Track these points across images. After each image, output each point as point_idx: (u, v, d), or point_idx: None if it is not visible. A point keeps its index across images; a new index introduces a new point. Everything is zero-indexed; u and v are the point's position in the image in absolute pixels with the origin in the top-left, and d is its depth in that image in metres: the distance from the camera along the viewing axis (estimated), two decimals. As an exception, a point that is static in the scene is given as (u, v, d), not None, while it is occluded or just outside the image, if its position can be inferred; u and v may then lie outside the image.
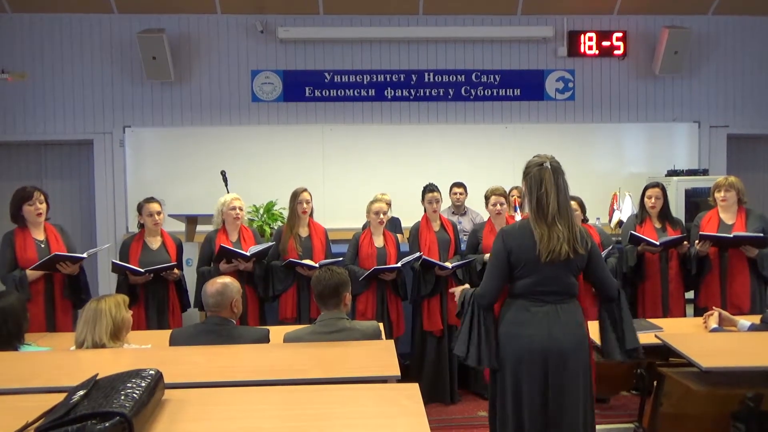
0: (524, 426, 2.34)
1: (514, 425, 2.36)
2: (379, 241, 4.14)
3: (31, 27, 6.30)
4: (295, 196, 4.12)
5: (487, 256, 3.86)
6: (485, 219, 4.50)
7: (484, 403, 4.10)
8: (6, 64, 6.27)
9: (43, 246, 3.64)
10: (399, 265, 3.99)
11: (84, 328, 2.59)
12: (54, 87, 6.36)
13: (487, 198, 4.23)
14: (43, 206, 3.66)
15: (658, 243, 3.93)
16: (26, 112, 6.35)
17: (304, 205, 4.09)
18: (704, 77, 6.83)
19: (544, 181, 2.35)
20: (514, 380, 2.35)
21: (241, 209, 4.04)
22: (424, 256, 4.01)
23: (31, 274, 3.53)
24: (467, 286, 2.73)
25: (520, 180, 2.50)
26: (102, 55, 6.38)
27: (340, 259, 4.02)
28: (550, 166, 2.37)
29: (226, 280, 2.76)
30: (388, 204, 5.31)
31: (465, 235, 5.00)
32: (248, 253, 3.83)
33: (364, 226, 4.30)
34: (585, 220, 4.08)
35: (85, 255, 3.70)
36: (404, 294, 4.17)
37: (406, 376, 2.19)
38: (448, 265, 4.05)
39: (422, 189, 4.35)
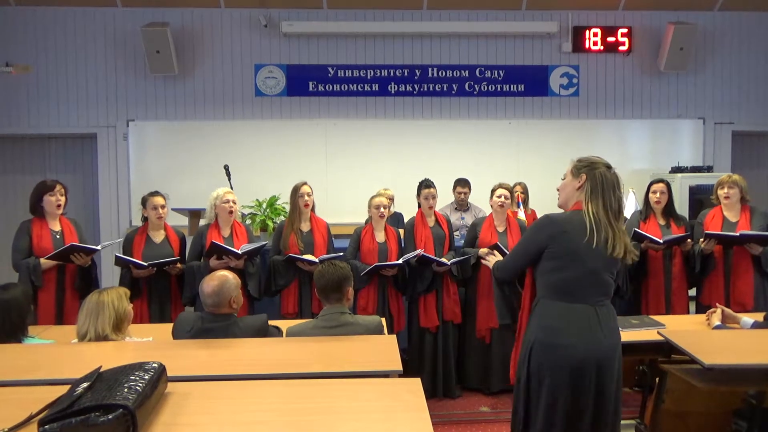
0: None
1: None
2: (380, 237, 4.14)
3: (35, 20, 6.31)
4: (296, 191, 4.11)
5: (482, 250, 3.85)
6: (487, 215, 4.49)
7: (485, 399, 4.11)
8: (10, 58, 6.28)
9: (58, 237, 3.75)
10: (401, 261, 3.99)
11: (86, 320, 2.60)
12: (58, 80, 6.37)
13: (493, 191, 4.20)
14: (63, 199, 3.80)
15: (661, 241, 3.92)
16: (30, 106, 6.36)
17: (306, 198, 4.08)
18: (709, 73, 6.80)
19: (616, 185, 2.27)
20: (551, 391, 2.20)
21: (234, 203, 3.95)
22: (423, 253, 4.00)
23: (45, 262, 3.64)
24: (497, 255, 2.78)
25: (565, 175, 2.38)
26: (106, 48, 6.38)
27: (341, 254, 4.02)
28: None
29: (223, 275, 2.68)
30: (391, 199, 5.31)
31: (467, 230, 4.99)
32: (240, 251, 3.77)
33: (367, 221, 4.30)
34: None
35: (99, 247, 3.80)
36: (404, 289, 4.17)
37: (405, 372, 2.19)
38: (446, 261, 4.04)
39: (418, 184, 4.35)
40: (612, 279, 2.30)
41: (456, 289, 4.17)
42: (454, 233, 4.48)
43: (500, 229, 4.15)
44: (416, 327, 4.17)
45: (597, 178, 2.27)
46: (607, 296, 2.28)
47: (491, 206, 4.22)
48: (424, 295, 4.10)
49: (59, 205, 3.77)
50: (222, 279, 2.66)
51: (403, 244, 4.23)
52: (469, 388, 4.25)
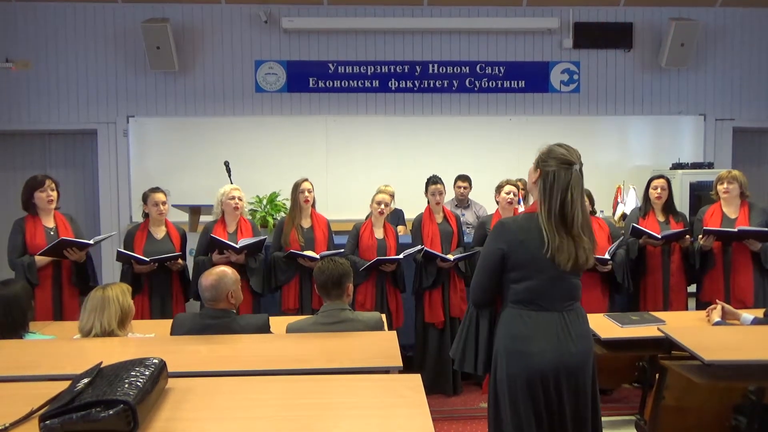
0: None
1: None
2: (379, 233, 4.14)
3: (35, 16, 6.30)
4: (297, 187, 4.12)
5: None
6: (488, 212, 4.48)
7: (486, 396, 4.11)
8: (10, 54, 6.27)
9: (52, 233, 3.71)
10: (401, 256, 3.99)
11: (91, 315, 2.60)
12: (58, 76, 6.36)
13: (500, 187, 4.18)
14: (54, 194, 3.74)
15: (659, 236, 3.93)
16: (30, 102, 6.35)
17: (306, 194, 4.08)
18: (710, 70, 6.79)
19: (571, 187, 2.04)
20: (524, 400, 2.07)
21: (240, 199, 4.02)
22: (426, 248, 4.00)
23: (40, 259, 3.60)
24: None
25: (529, 168, 2.18)
26: (106, 44, 6.37)
27: (342, 250, 4.02)
28: (579, 170, 2.07)
29: (222, 271, 2.69)
30: (391, 195, 5.31)
31: (468, 227, 4.99)
32: (238, 246, 3.80)
33: (368, 217, 4.30)
34: (593, 213, 4.08)
35: (91, 241, 3.76)
36: (402, 286, 4.17)
37: (408, 368, 2.19)
38: (450, 257, 4.04)
39: (426, 181, 4.34)
40: (578, 280, 2.16)
41: (463, 285, 4.17)
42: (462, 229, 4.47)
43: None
44: (421, 323, 4.17)
45: (548, 178, 2.06)
46: (575, 299, 2.15)
47: (498, 203, 4.21)
48: (430, 290, 4.10)
49: (51, 201, 3.71)
50: (220, 274, 2.67)
51: (411, 240, 4.23)
52: (472, 384, 4.26)
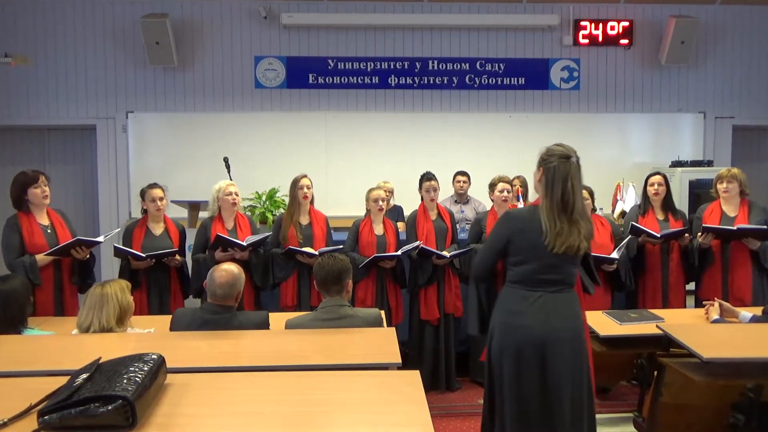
0: (528, 414, 2.34)
1: (514, 413, 2.35)
2: (378, 229, 4.14)
3: (34, 11, 6.28)
4: (296, 183, 4.11)
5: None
6: (488, 208, 4.48)
7: (483, 392, 4.12)
8: (9, 49, 6.25)
9: (49, 231, 3.62)
10: (399, 253, 3.99)
11: (90, 312, 2.60)
12: (57, 72, 6.34)
13: (493, 185, 4.20)
14: (48, 189, 3.64)
15: (659, 235, 3.93)
16: (29, 97, 6.34)
17: (305, 191, 4.08)
18: (710, 67, 6.78)
19: (570, 177, 2.30)
20: (514, 369, 2.35)
21: (237, 194, 3.98)
22: (422, 245, 4.00)
23: (42, 259, 3.50)
24: None
25: (535, 166, 2.41)
26: (105, 39, 6.36)
27: (340, 247, 4.02)
28: (576, 162, 2.33)
29: (235, 270, 2.69)
30: (391, 192, 5.31)
31: (468, 223, 4.99)
32: (245, 243, 3.80)
33: (366, 214, 4.30)
34: (594, 210, 4.07)
35: (101, 239, 3.72)
36: (403, 282, 4.17)
37: (404, 364, 2.19)
38: (446, 254, 4.04)
39: (420, 177, 4.34)
40: (575, 269, 2.42)
41: (458, 282, 4.18)
42: (456, 226, 4.48)
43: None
44: (417, 319, 4.17)
45: (550, 172, 2.33)
46: (568, 285, 2.40)
47: (493, 200, 4.21)
48: (425, 287, 4.10)
49: (46, 197, 3.60)
50: (236, 273, 2.68)
51: (405, 237, 4.23)
52: (469, 381, 4.27)
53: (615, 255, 3.77)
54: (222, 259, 3.69)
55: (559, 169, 2.30)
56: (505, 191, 4.11)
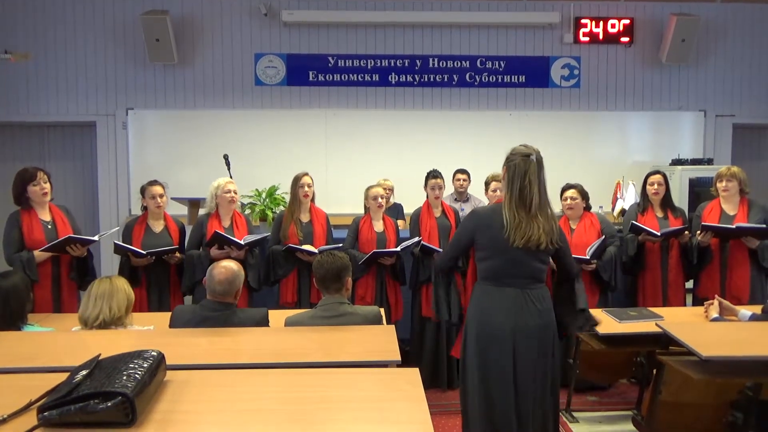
0: (496, 407, 2.46)
1: (483, 405, 2.47)
2: (378, 226, 4.14)
3: (34, 7, 6.27)
4: (297, 181, 4.11)
5: None
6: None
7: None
8: (9, 45, 6.25)
9: (50, 227, 3.63)
10: (398, 249, 3.99)
11: (98, 302, 2.59)
12: (57, 68, 6.34)
13: (487, 184, 4.22)
14: (48, 186, 3.65)
15: (658, 233, 3.93)
16: (29, 94, 6.33)
17: (306, 189, 4.08)
18: (711, 66, 6.78)
19: (528, 173, 2.43)
20: (485, 363, 2.47)
21: (235, 192, 3.96)
22: (423, 242, 4.00)
23: (39, 255, 3.52)
24: None
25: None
26: (105, 36, 6.35)
27: (341, 245, 4.02)
28: (535, 160, 2.44)
29: (235, 267, 2.69)
30: (390, 189, 5.31)
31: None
32: (242, 242, 3.78)
33: (367, 212, 4.29)
34: (588, 208, 4.07)
35: (96, 238, 3.71)
36: (403, 279, 4.17)
37: (405, 362, 2.19)
38: (447, 251, 4.04)
39: (425, 175, 4.34)
40: (543, 266, 2.52)
41: (459, 279, 4.17)
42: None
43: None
44: (418, 316, 4.18)
45: (511, 169, 2.48)
46: (537, 280, 2.50)
47: (488, 198, 4.22)
48: (426, 284, 4.10)
49: (45, 193, 3.61)
50: (235, 270, 2.69)
51: (408, 234, 4.23)
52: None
53: (587, 255, 3.77)
54: (217, 257, 3.64)
55: (519, 167, 2.44)
56: (498, 190, 4.12)
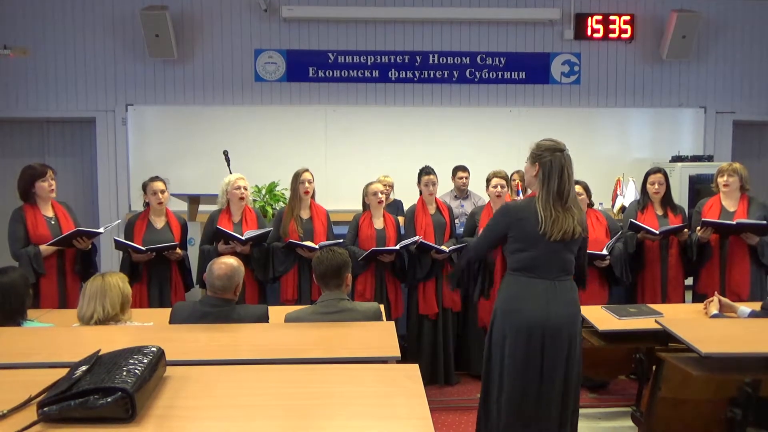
0: (523, 397, 2.48)
1: (511, 396, 2.49)
2: (378, 223, 4.14)
3: (33, 2, 6.25)
4: (297, 177, 4.11)
5: None
6: (486, 203, 4.47)
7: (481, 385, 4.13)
8: (8, 40, 6.23)
9: (53, 223, 3.72)
10: (397, 247, 3.99)
11: (92, 301, 2.61)
12: (56, 64, 6.32)
13: (488, 180, 4.22)
14: (54, 183, 3.75)
15: (657, 232, 3.92)
16: (28, 89, 6.32)
17: (306, 185, 4.08)
18: (711, 62, 6.76)
19: (565, 168, 2.47)
20: (515, 353, 2.49)
21: (245, 189, 4.03)
22: (421, 240, 4.00)
23: (46, 249, 3.61)
24: None
25: (526, 160, 2.58)
26: (105, 32, 6.33)
27: (341, 240, 4.02)
28: (568, 154, 2.50)
29: (234, 263, 2.69)
30: (390, 186, 5.30)
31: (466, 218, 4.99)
32: (243, 237, 3.80)
33: (365, 209, 4.29)
34: (591, 205, 4.07)
35: (102, 230, 3.81)
36: (402, 277, 4.17)
37: (403, 358, 2.20)
38: (445, 248, 4.04)
39: (418, 171, 4.34)
40: (573, 257, 2.56)
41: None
42: (455, 221, 4.48)
43: (499, 217, 4.15)
44: (415, 314, 4.18)
45: (546, 166, 2.49)
46: (566, 272, 2.54)
47: (488, 195, 4.23)
48: (424, 282, 4.10)
49: (52, 190, 3.74)
50: (234, 265, 2.68)
51: (403, 231, 4.23)
52: (468, 375, 4.28)
53: (605, 251, 3.78)
54: (224, 252, 3.74)
55: (556, 162, 2.47)
56: (499, 186, 4.12)
